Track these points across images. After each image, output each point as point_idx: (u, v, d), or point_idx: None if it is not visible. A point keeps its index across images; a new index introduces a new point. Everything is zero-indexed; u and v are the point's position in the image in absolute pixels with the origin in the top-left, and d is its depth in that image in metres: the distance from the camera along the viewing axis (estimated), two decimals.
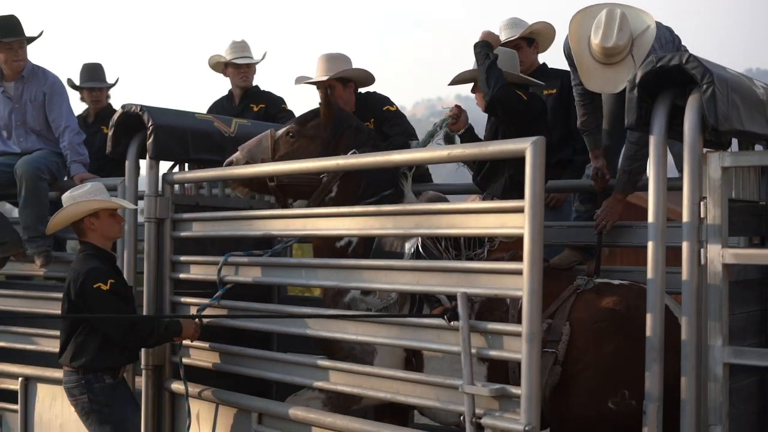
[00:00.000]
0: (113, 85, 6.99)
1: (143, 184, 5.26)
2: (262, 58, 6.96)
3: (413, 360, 4.24)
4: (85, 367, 4.58)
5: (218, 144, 5.25)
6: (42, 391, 5.62)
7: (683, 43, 4.70)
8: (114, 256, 4.89)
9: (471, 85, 4.82)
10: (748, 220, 4.02)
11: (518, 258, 4.24)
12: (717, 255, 3.45)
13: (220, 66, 6.94)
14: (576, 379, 3.95)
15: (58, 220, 4.75)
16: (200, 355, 5.05)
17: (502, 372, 4.01)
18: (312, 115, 4.77)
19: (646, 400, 3.55)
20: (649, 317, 3.59)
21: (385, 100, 5.54)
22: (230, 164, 4.76)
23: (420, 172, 5.19)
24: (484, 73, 4.49)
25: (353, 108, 5.33)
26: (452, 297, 3.87)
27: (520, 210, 3.55)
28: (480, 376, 3.97)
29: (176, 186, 5.32)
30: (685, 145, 3.50)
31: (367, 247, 4.53)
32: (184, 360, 5.02)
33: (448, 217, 3.97)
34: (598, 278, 4.21)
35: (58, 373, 4.92)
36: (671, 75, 3.55)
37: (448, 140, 4.83)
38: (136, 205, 5.29)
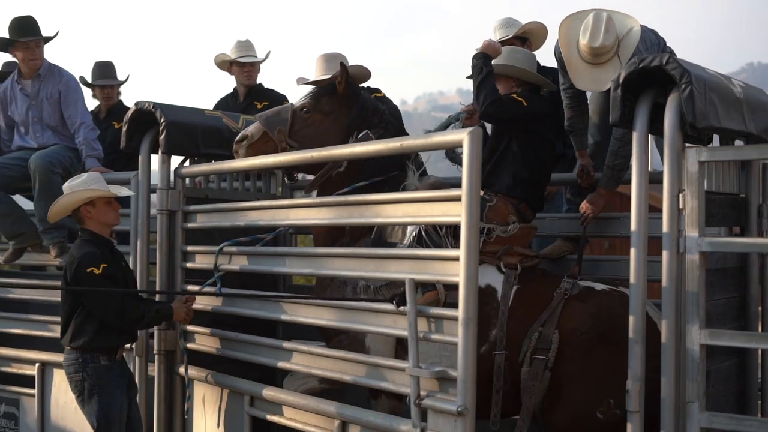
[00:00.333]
0: (124, 82, 7.13)
1: (155, 178, 5.46)
2: (266, 57, 7.10)
3: (404, 343, 4.38)
4: (83, 347, 4.75)
5: (227, 139, 5.39)
6: (58, 376, 5.75)
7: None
8: (111, 241, 5.01)
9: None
10: (727, 212, 4.24)
11: (511, 253, 4.48)
12: (694, 243, 3.69)
13: (225, 64, 7.06)
14: (565, 388, 4.16)
15: (57, 209, 4.92)
16: (206, 341, 5.27)
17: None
18: (327, 90, 4.85)
19: (630, 379, 3.78)
20: (631, 302, 3.82)
21: (375, 90, 5.65)
22: (245, 137, 4.82)
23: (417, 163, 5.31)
24: (476, 89, 4.60)
25: None
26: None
27: (458, 199, 3.72)
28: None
29: (187, 179, 5.52)
30: (665, 140, 3.73)
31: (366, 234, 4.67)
32: (190, 345, 5.26)
33: (397, 207, 4.16)
34: (581, 279, 4.36)
35: None
36: (653, 75, 3.77)
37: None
38: (148, 199, 5.48)
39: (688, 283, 3.71)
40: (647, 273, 3.83)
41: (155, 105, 5.37)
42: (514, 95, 4.67)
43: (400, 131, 4.86)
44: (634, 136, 3.80)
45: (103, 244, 4.88)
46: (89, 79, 7.00)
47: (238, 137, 4.90)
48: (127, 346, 5.40)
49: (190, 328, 5.28)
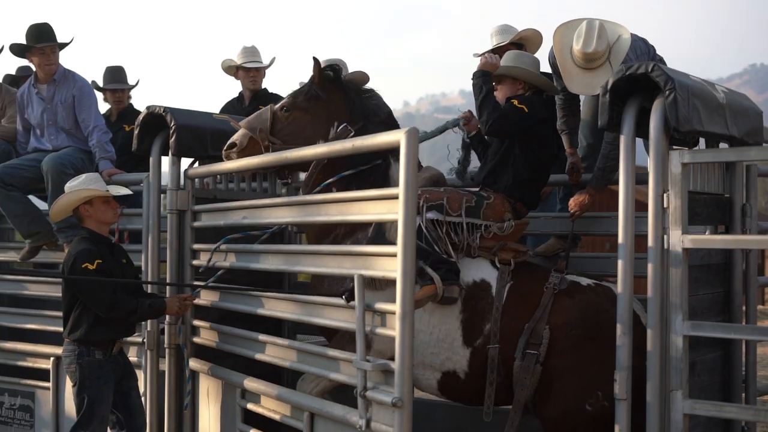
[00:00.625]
0: (134, 86, 7.30)
1: (166, 179, 5.63)
2: (271, 63, 7.28)
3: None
4: (80, 340, 4.94)
5: None
6: None
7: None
8: (109, 239, 5.15)
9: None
10: (712, 211, 4.46)
11: (506, 249, 4.65)
12: (678, 240, 3.91)
13: (231, 69, 7.25)
14: (556, 382, 4.35)
15: (57, 209, 5.11)
16: (209, 335, 5.47)
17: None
18: (304, 88, 5.00)
19: (617, 369, 4.00)
20: (619, 296, 4.04)
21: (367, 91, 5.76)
22: (234, 144, 5.00)
23: None
24: (478, 107, 4.73)
25: None
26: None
27: (396, 197, 3.79)
28: None
29: (196, 180, 5.69)
30: (650, 143, 3.95)
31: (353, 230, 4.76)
32: (196, 339, 5.46)
33: (341, 206, 4.31)
34: (567, 274, 4.54)
35: None
36: (639, 82, 3.99)
37: (464, 145, 5.12)
38: (158, 199, 5.67)
39: (672, 278, 3.93)
40: (634, 269, 4.03)
41: (166, 109, 5.56)
42: (515, 102, 4.78)
43: (383, 123, 4.93)
44: (622, 139, 4.02)
45: (100, 242, 5.03)
46: (101, 84, 7.17)
47: (227, 144, 5.07)
48: (138, 339, 5.63)
49: (196, 322, 5.48)
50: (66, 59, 6.42)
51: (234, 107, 7.20)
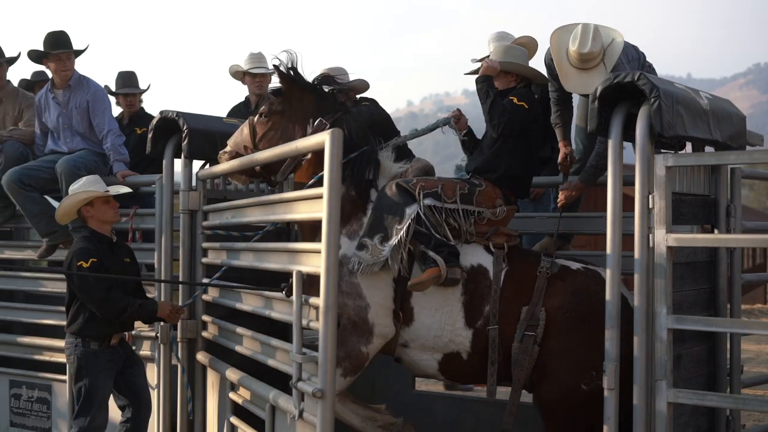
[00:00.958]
0: (145, 90, 7.46)
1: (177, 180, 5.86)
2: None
3: (400, 314, 4.66)
4: (76, 332, 5.15)
5: None
6: None
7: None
8: (109, 238, 5.29)
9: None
10: (697, 211, 4.68)
11: (499, 234, 4.81)
12: (662, 239, 4.13)
13: (239, 75, 7.43)
14: (552, 362, 4.54)
15: (60, 212, 5.30)
16: (212, 330, 5.70)
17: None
18: (276, 92, 5.17)
19: (606, 360, 4.21)
20: (607, 289, 4.25)
21: (365, 99, 5.80)
22: (226, 153, 5.21)
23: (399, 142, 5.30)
24: (487, 112, 4.87)
25: None
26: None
27: (320, 197, 3.95)
28: None
29: (207, 181, 5.90)
30: (636, 147, 4.17)
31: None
32: (204, 334, 5.69)
33: (285, 205, 4.55)
34: (556, 258, 4.73)
35: None
36: (627, 89, 4.20)
37: (464, 145, 5.27)
38: (171, 200, 5.88)
39: (657, 275, 4.14)
40: (621, 266, 4.24)
41: (178, 114, 5.76)
42: (514, 99, 4.90)
43: (362, 114, 5.07)
44: (610, 143, 4.23)
45: (100, 241, 5.21)
46: (113, 88, 7.34)
47: (222, 151, 5.28)
48: (152, 333, 5.85)
49: (204, 318, 5.71)
50: (80, 65, 6.63)
51: (241, 111, 7.36)
